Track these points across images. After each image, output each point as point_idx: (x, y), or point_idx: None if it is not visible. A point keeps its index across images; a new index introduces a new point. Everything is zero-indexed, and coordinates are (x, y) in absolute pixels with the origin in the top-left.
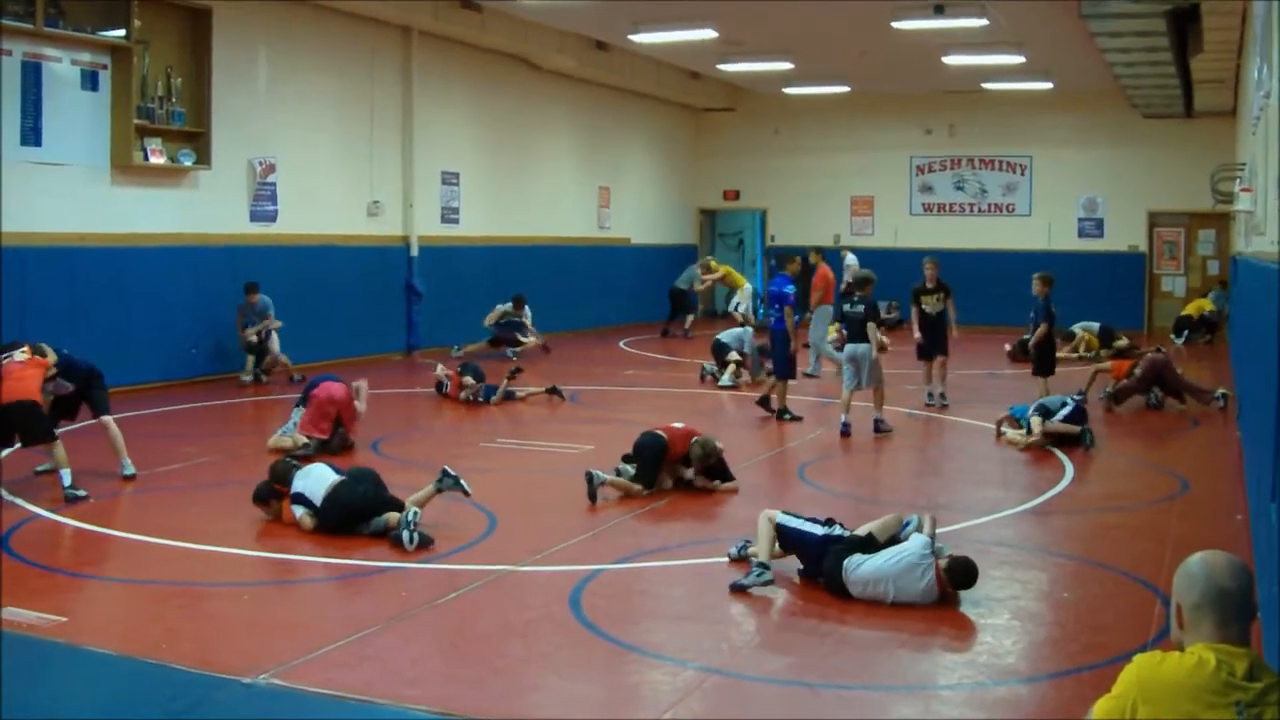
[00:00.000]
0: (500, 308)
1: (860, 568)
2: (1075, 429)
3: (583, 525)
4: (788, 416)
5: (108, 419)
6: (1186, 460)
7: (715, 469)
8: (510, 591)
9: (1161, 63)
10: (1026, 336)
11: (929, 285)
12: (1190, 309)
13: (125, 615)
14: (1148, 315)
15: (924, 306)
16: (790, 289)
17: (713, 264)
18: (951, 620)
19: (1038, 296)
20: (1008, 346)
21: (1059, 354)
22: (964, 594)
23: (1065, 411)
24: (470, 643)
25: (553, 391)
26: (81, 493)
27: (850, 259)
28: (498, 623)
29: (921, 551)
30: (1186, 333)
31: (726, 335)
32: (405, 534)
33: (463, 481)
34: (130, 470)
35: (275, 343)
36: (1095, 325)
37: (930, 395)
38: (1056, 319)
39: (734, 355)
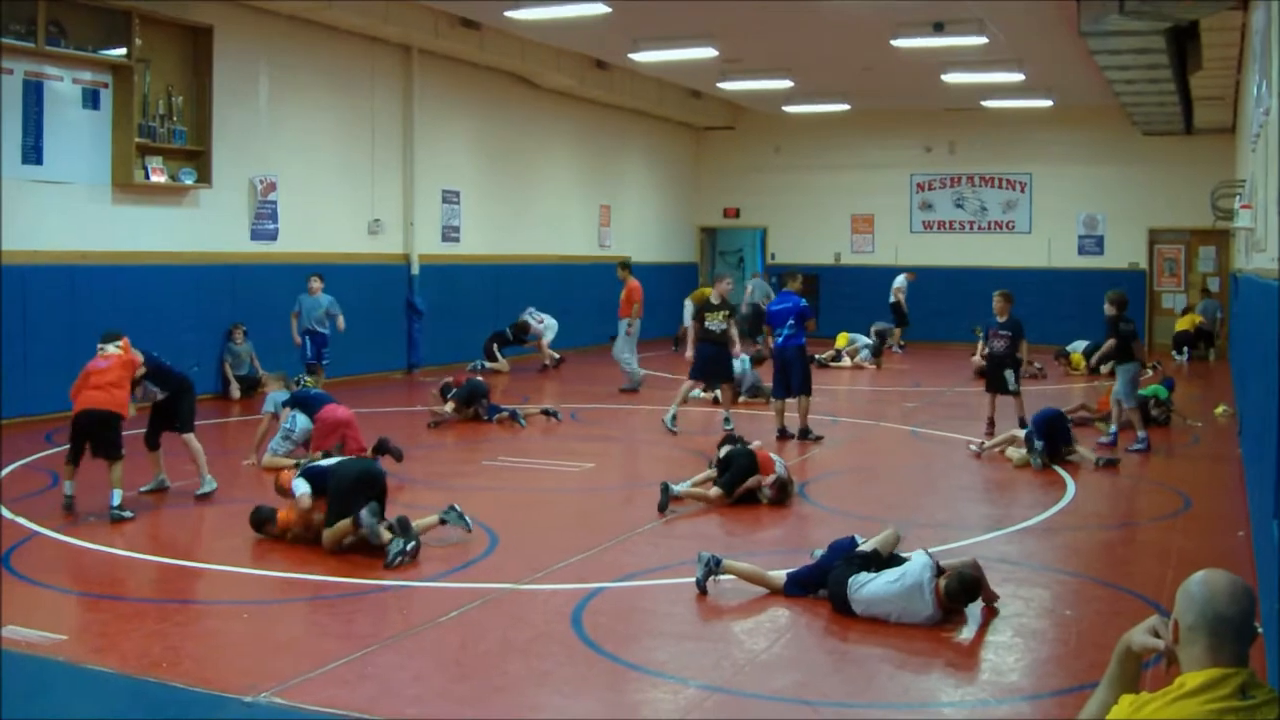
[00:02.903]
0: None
1: (864, 588)
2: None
3: (584, 543)
4: (811, 436)
5: (189, 436)
6: (1188, 477)
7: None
8: (511, 609)
9: (1161, 80)
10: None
11: (714, 301)
12: (1184, 324)
13: (125, 633)
14: (1149, 332)
15: (707, 323)
16: (804, 302)
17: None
18: (954, 638)
19: (998, 315)
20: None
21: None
22: (966, 611)
23: (1039, 444)
24: (471, 661)
25: (547, 413)
26: (128, 514)
27: (900, 280)
28: (499, 641)
29: (923, 573)
30: (1187, 349)
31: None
32: (395, 559)
33: (466, 518)
34: (207, 489)
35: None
36: (1082, 345)
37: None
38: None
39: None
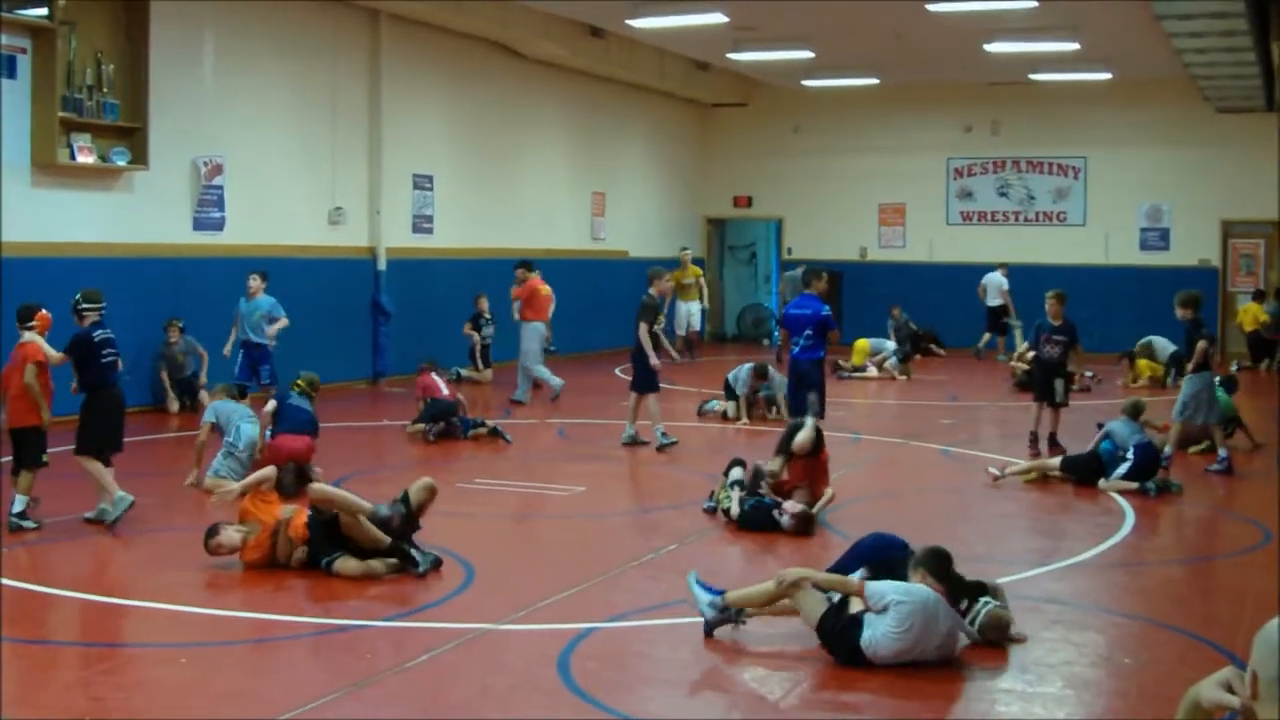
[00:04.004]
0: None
1: (879, 646)
2: (1134, 485)
3: (572, 578)
4: None
5: (80, 457)
6: (1267, 506)
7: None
8: (490, 653)
9: (1239, 49)
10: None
11: (659, 300)
12: (1248, 320)
13: (42, 683)
14: (1220, 339)
15: (656, 328)
16: (826, 310)
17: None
18: (997, 689)
19: (1052, 319)
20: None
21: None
22: (1010, 659)
23: (1125, 468)
24: (445, 712)
25: (496, 433)
26: (29, 524)
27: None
28: (475, 689)
29: (928, 602)
30: (1237, 363)
31: (734, 375)
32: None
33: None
34: (94, 515)
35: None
36: (1169, 347)
37: (657, 431)
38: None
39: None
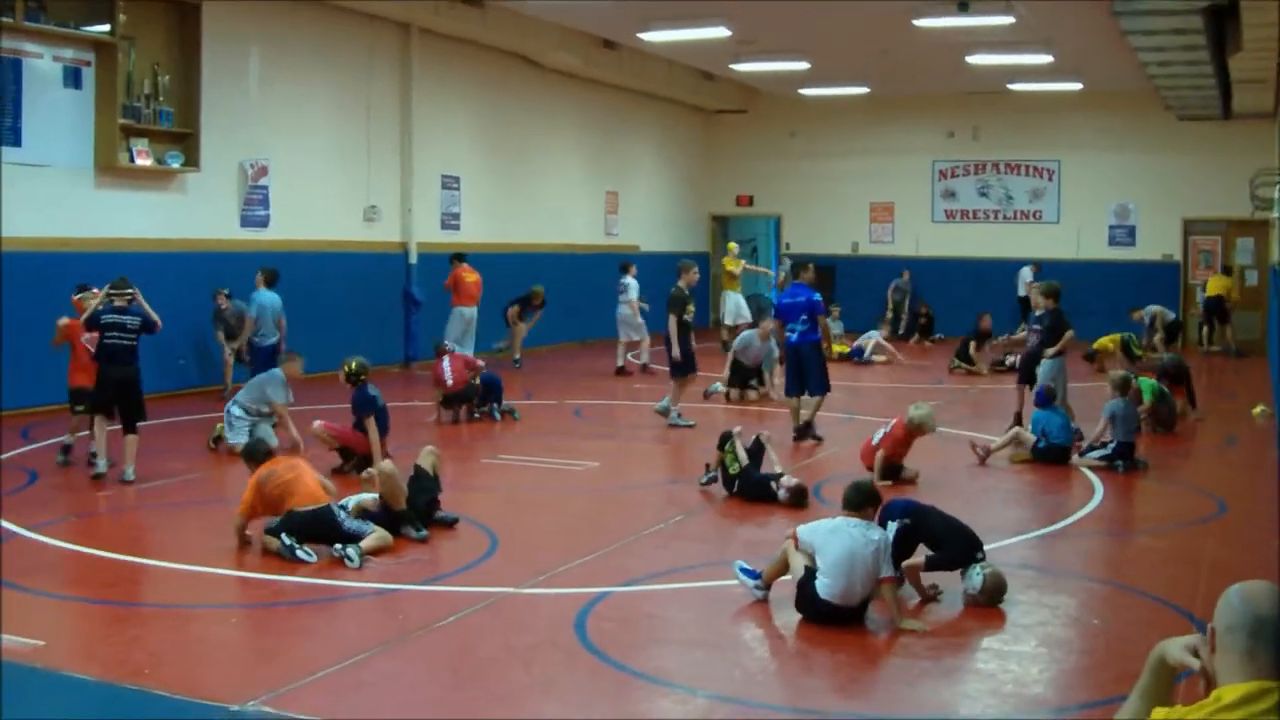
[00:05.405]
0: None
1: (827, 584)
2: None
3: (588, 546)
4: (812, 436)
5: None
6: (1223, 480)
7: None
8: (512, 615)
9: (1198, 62)
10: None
11: (687, 293)
12: (1215, 287)
13: (106, 639)
14: (1183, 327)
15: (686, 317)
16: (817, 296)
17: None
18: (975, 647)
19: (1035, 310)
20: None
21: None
22: (988, 619)
23: (1102, 452)
24: (470, 669)
25: (503, 410)
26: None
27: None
28: (499, 648)
29: (854, 531)
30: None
31: (743, 345)
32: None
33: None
34: (127, 476)
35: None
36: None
37: (674, 413)
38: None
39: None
